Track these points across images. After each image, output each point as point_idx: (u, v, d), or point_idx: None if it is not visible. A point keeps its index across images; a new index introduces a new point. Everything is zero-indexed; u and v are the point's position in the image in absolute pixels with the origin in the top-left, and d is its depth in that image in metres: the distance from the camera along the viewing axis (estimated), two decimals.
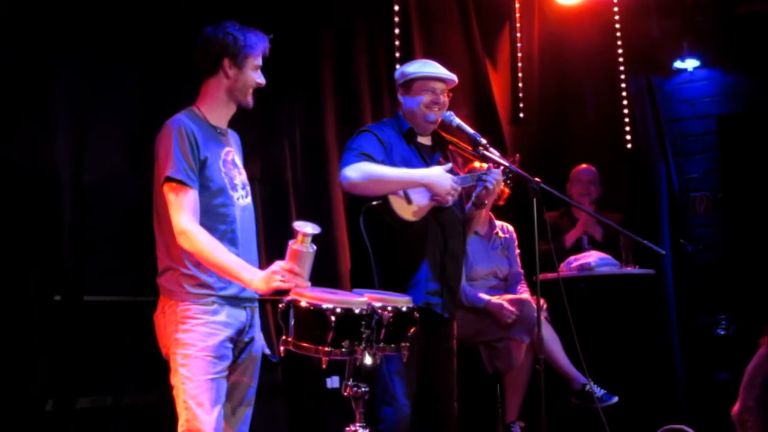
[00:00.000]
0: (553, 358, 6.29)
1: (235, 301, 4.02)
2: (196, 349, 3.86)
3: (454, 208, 5.03)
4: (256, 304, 4.21)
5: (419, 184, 4.85)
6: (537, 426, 5.12)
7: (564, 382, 6.34)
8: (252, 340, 4.15)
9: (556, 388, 6.12)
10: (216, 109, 4.16)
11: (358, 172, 4.81)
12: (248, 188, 4.25)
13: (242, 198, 4.16)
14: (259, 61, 4.18)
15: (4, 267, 4.77)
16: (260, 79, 4.19)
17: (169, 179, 3.88)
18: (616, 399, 6.15)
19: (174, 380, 3.91)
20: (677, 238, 8.31)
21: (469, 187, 5.11)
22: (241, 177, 4.21)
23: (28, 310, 4.81)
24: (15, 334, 4.75)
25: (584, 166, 7.75)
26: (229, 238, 4.00)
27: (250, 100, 4.20)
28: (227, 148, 4.17)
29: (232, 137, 4.32)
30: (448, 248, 5.00)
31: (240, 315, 4.06)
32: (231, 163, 4.15)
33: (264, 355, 4.32)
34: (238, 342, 4.05)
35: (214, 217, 3.98)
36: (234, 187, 4.11)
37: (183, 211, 3.85)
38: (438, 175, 4.85)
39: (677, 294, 8.18)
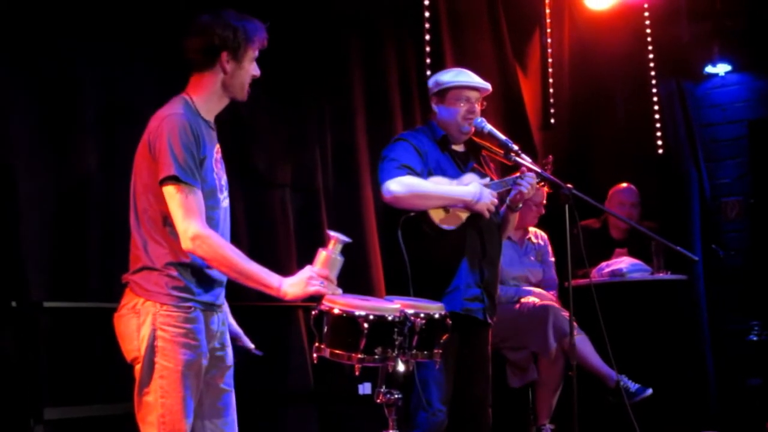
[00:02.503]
0: (586, 359, 6.28)
1: (210, 307, 3.81)
2: (178, 362, 3.65)
3: (491, 213, 5.03)
4: (223, 308, 3.96)
5: (461, 202, 4.88)
6: (568, 429, 5.11)
7: (597, 385, 6.32)
8: (224, 346, 3.92)
9: (588, 392, 6.11)
10: (209, 102, 3.85)
11: (402, 186, 4.81)
12: (228, 189, 3.97)
13: (225, 200, 3.92)
14: (257, 53, 3.89)
15: (25, 273, 4.81)
16: (256, 71, 3.91)
17: (175, 179, 3.60)
18: (650, 391, 6.14)
19: (150, 388, 3.67)
20: (709, 243, 8.28)
21: (504, 191, 5.10)
22: (225, 177, 3.95)
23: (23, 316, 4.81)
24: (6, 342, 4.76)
25: (624, 185, 7.69)
26: None
27: (245, 94, 3.91)
28: (217, 146, 3.92)
29: (215, 131, 4.01)
30: (487, 254, 5.00)
31: (215, 321, 3.85)
32: (220, 162, 3.91)
33: (247, 351, 4.14)
34: (213, 350, 3.84)
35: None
36: (221, 189, 3.87)
37: (193, 215, 3.60)
38: (478, 192, 4.87)
39: (709, 300, 8.15)
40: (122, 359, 3.79)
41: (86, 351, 5.00)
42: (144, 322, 3.66)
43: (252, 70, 3.88)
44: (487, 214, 4.90)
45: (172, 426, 3.65)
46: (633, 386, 6.13)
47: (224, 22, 3.81)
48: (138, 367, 3.69)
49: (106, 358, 4.85)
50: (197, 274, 3.73)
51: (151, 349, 3.65)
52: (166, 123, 3.67)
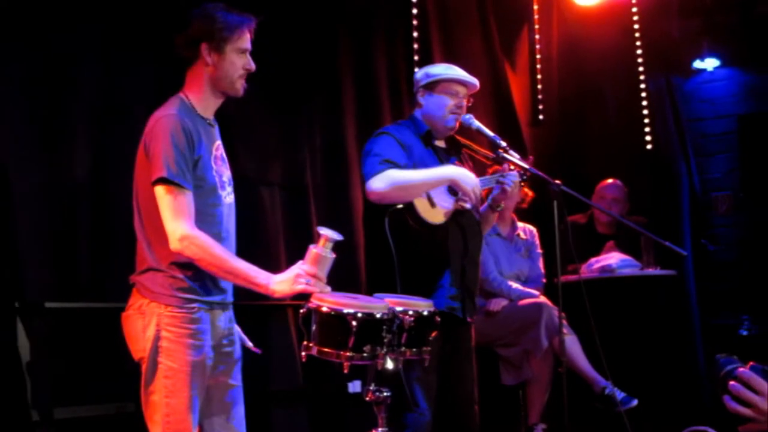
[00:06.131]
0: (574, 362, 6.28)
1: (217, 306, 3.86)
2: (182, 362, 3.69)
3: (473, 211, 5.01)
4: (231, 306, 4.01)
5: (446, 181, 4.78)
6: (560, 428, 5.11)
7: (585, 385, 6.33)
8: (233, 342, 3.98)
9: (579, 391, 6.11)
10: (203, 98, 3.86)
11: (383, 182, 4.73)
12: (232, 184, 4.00)
13: (228, 195, 3.94)
14: (245, 45, 3.85)
15: (24, 272, 4.79)
16: (249, 65, 3.87)
17: (164, 180, 3.63)
18: (635, 402, 6.12)
19: (155, 387, 3.72)
20: (699, 238, 8.30)
21: (486, 189, 5.08)
22: (227, 173, 3.97)
23: (25, 317, 4.79)
24: (9, 343, 4.75)
25: (610, 181, 7.68)
26: (216, 240, 3.76)
27: (238, 87, 3.88)
28: (217, 142, 3.93)
29: (217, 127, 4.00)
30: (469, 252, 4.97)
31: (222, 319, 3.90)
32: (220, 159, 3.92)
33: (247, 350, 4.13)
34: (220, 346, 3.89)
35: (203, 218, 3.74)
36: (222, 186, 3.88)
37: (181, 216, 3.63)
38: (463, 172, 4.80)
39: (699, 295, 8.16)
40: (122, 358, 3.89)
41: (86, 351, 5.00)
42: (149, 323, 3.72)
43: (241, 63, 3.86)
44: (473, 198, 4.83)
45: (176, 425, 3.70)
46: (620, 395, 6.09)
47: (204, 13, 3.83)
48: (144, 367, 3.74)
49: (106, 357, 4.90)
50: (201, 274, 3.76)
51: (156, 349, 3.71)
52: (160, 124, 3.71)
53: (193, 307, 3.74)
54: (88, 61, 5.17)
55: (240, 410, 3.99)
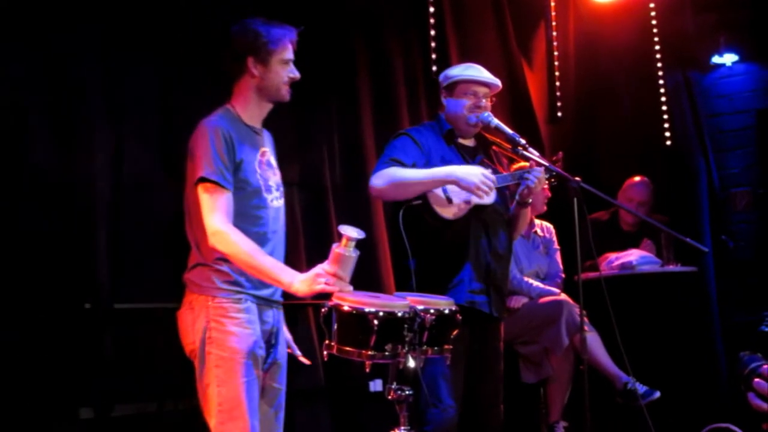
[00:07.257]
0: (595, 359, 6.26)
1: (264, 302, 3.96)
2: (231, 350, 3.79)
3: (498, 206, 5.01)
4: (281, 307, 4.12)
5: (445, 182, 4.78)
6: (581, 426, 5.10)
7: (607, 382, 6.31)
8: (278, 343, 4.07)
9: (599, 388, 6.09)
10: (249, 108, 4.06)
11: (381, 179, 4.82)
12: (282, 189, 4.14)
13: (276, 200, 4.06)
14: (288, 55, 4.04)
15: (38, 275, 4.80)
16: (293, 73, 4.07)
17: (203, 180, 3.80)
18: (658, 394, 6.10)
19: (208, 378, 3.82)
20: (718, 234, 8.26)
21: (513, 187, 5.08)
22: (275, 178, 4.11)
23: (67, 318, 4.83)
24: (49, 343, 4.78)
25: (637, 179, 7.66)
26: (260, 241, 3.89)
27: (284, 94, 4.07)
28: (263, 149, 4.08)
29: (267, 136, 4.21)
30: (493, 247, 4.97)
31: (269, 316, 4.00)
32: (266, 164, 4.06)
33: (295, 358, 4.23)
34: (267, 344, 3.98)
35: (246, 219, 3.89)
36: (268, 189, 4.02)
37: (216, 212, 3.77)
38: (465, 170, 4.77)
39: (720, 291, 8.12)
40: (164, 358, 4.11)
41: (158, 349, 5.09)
42: (198, 316, 3.86)
43: (285, 72, 4.04)
44: (481, 195, 4.77)
45: (230, 413, 3.78)
46: (641, 388, 6.09)
47: (246, 28, 4.00)
48: (196, 361, 3.87)
49: (152, 356, 5.03)
50: None
51: (205, 340, 3.83)
52: (201, 130, 3.90)
53: (240, 298, 3.87)
54: (88, 61, 5.18)
55: (281, 413, 4.08)
